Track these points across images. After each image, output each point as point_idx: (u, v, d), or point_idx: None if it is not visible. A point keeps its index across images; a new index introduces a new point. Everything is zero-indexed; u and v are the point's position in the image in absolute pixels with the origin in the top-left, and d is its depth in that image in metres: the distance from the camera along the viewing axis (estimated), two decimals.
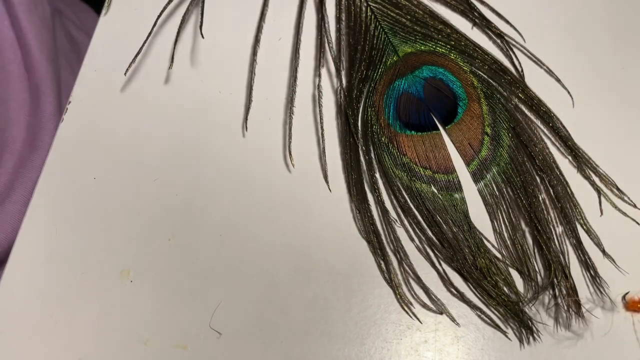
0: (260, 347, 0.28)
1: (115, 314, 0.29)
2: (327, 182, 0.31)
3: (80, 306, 0.29)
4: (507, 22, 0.35)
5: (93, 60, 0.34)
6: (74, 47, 0.45)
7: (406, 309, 0.29)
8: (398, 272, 0.29)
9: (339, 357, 0.28)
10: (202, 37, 0.34)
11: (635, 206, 0.31)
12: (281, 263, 0.30)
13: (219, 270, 0.29)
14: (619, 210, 0.31)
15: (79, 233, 0.30)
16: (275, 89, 0.34)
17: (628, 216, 0.30)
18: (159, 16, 0.33)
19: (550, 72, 0.34)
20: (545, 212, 0.30)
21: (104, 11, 0.35)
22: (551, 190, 0.31)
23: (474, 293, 0.29)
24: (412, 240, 0.30)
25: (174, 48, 0.33)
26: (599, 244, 0.30)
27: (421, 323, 0.28)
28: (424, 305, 0.29)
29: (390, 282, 0.29)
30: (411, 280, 0.29)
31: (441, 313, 0.29)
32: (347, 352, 0.28)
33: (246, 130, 0.32)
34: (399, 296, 0.29)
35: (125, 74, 0.33)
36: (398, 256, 0.29)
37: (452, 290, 0.29)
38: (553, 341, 0.28)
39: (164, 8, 0.34)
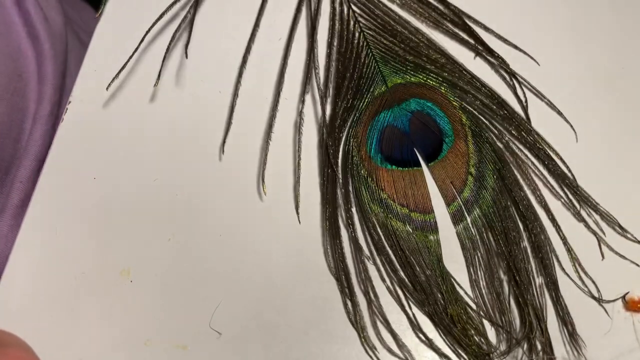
0: (260, 347, 0.28)
1: (115, 314, 0.29)
2: (297, 213, 0.30)
3: (80, 306, 0.29)
4: (516, 47, 0.34)
5: (93, 60, 0.34)
6: (85, 52, 0.45)
7: (370, 353, 0.28)
8: (365, 314, 0.28)
9: (338, 357, 0.28)
10: (186, 57, 0.33)
11: (639, 242, 0.30)
12: (281, 263, 0.30)
13: (219, 270, 0.29)
14: (618, 254, 0.29)
15: (79, 233, 0.30)
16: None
17: (627, 259, 0.29)
18: (159, 18, 0.33)
19: (551, 106, 0.33)
20: (525, 261, 0.29)
21: (100, 11, 0.35)
22: (533, 239, 0.29)
23: (444, 341, 0.28)
24: (383, 280, 0.29)
25: (169, 46, 0.33)
26: (590, 292, 0.29)
27: None
28: (390, 351, 0.28)
29: (356, 324, 0.28)
30: (379, 323, 0.28)
31: None
32: (347, 352, 0.28)
33: (223, 154, 0.32)
34: (363, 340, 0.28)
35: (107, 89, 0.32)
36: (367, 297, 0.28)
37: (421, 336, 0.28)
38: None
39: (165, 11, 0.33)
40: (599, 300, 0.29)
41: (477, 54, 0.34)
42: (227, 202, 0.31)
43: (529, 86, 0.33)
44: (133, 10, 0.35)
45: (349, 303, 0.28)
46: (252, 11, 0.35)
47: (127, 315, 0.29)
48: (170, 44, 0.33)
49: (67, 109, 0.33)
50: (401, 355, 0.28)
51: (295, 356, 0.28)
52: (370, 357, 0.28)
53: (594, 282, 0.29)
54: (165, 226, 0.30)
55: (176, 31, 0.33)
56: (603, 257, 0.29)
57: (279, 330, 0.28)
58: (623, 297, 0.28)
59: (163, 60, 0.32)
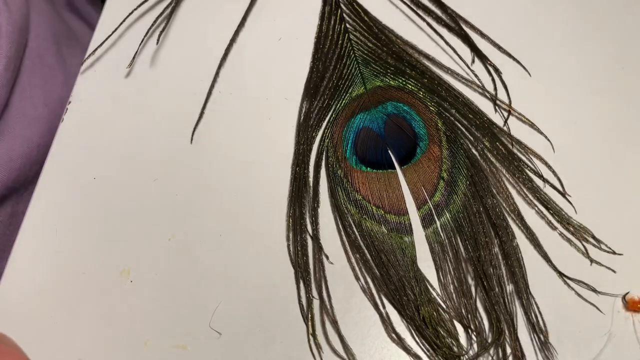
0: (260, 347, 0.28)
1: (115, 314, 0.29)
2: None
3: (80, 306, 0.29)
4: (511, 56, 0.34)
5: (93, 60, 0.34)
6: (52, 11, 0.43)
7: (315, 352, 0.27)
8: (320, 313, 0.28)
9: (338, 357, 0.28)
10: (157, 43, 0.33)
11: (614, 252, 0.29)
12: (281, 263, 0.30)
13: (219, 270, 0.29)
14: (596, 262, 0.29)
15: (79, 233, 0.30)
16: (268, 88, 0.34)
17: (604, 265, 0.29)
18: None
19: (531, 125, 0.32)
20: (496, 267, 0.29)
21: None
22: (504, 247, 0.29)
23: (415, 341, 0.28)
24: (357, 279, 0.29)
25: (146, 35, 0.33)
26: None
27: None
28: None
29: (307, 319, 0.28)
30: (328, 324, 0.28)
31: None
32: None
33: (191, 141, 0.32)
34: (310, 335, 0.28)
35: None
36: (320, 297, 0.28)
37: (393, 335, 0.28)
38: None
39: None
40: (595, 292, 0.28)
41: (472, 59, 0.34)
42: (227, 202, 0.31)
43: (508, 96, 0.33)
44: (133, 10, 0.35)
45: (304, 299, 0.28)
46: (252, 11, 0.35)
47: (127, 315, 0.29)
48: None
49: (67, 109, 0.33)
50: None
51: (295, 356, 0.28)
52: (314, 355, 0.28)
53: (585, 283, 0.29)
54: (165, 226, 0.30)
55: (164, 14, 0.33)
56: (592, 262, 0.29)
57: (279, 330, 0.28)
58: (623, 297, 0.28)
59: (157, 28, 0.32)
